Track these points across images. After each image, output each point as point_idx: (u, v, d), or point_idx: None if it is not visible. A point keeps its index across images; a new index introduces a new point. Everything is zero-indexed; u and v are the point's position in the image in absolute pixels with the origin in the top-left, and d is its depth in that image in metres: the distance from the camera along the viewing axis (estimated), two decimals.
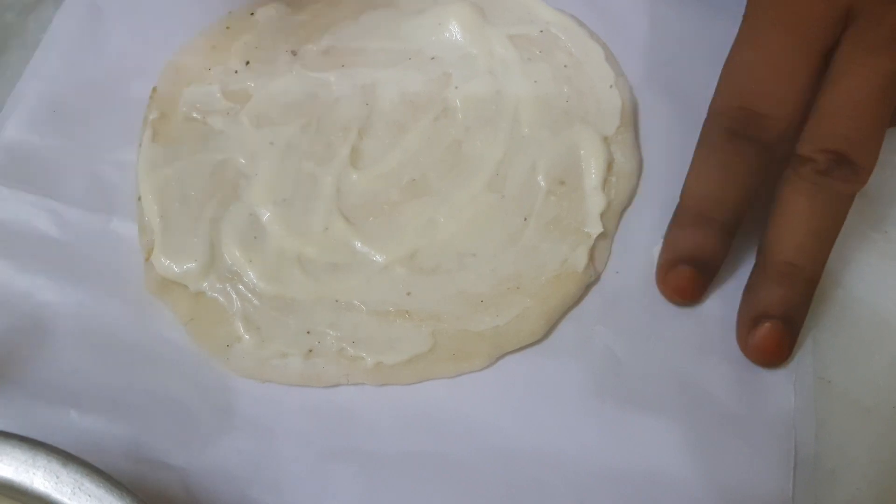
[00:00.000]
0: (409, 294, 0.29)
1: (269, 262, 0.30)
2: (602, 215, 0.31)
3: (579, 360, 0.29)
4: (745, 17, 0.30)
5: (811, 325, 0.30)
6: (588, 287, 0.30)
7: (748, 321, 0.29)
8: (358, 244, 0.30)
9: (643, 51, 0.35)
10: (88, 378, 0.28)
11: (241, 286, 0.29)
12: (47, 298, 0.29)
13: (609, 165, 0.32)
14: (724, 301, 0.30)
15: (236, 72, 0.33)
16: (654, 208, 0.31)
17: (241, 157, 0.31)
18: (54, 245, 0.30)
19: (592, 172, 0.31)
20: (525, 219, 0.31)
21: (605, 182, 0.31)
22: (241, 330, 0.29)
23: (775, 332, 0.28)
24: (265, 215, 0.30)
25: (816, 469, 0.28)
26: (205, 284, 0.29)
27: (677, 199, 0.31)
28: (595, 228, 0.30)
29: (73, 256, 0.30)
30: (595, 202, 0.31)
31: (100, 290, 0.30)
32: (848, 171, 0.28)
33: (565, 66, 0.33)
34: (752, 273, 0.30)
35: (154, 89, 0.33)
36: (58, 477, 0.20)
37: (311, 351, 0.28)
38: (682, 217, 0.30)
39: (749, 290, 0.29)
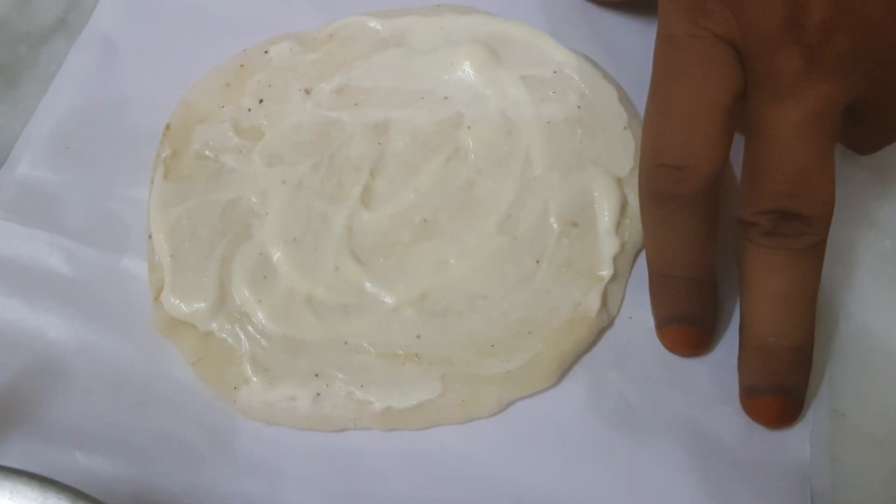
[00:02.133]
0: (418, 337, 0.29)
1: (279, 302, 0.29)
2: (615, 258, 0.30)
3: (592, 407, 0.28)
4: (652, 70, 0.29)
5: (824, 358, 0.29)
6: (601, 331, 0.30)
7: (743, 391, 0.28)
8: (368, 285, 0.30)
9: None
10: (96, 418, 0.28)
11: (249, 327, 0.29)
12: (58, 336, 0.29)
13: (623, 207, 0.31)
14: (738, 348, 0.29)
15: (249, 110, 0.33)
16: None
17: (253, 196, 0.31)
18: (66, 283, 0.30)
19: (606, 214, 0.31)
20: (537, 261, 0.30)
21: (619, 224, 0.31)
22: (249, 371, 0.28)
23: (770, 404, 0.28)
24: (275, 255, 0.30)
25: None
26: (213, 325, 0.29)
27: None
28: (608, 271, 0.30)
29: (83, 295, 0.30)
30: (608, 245, 0.31)
31: (110, 329, 0.30)
32: (797, 224, 0.27)
33: (578, 107, 0.33)
34: (739, 345, 0.29)
35: (167, 126, 0.33)
36: None
37: (319, 394, 0.28)
38: (651, 281, 0.30)
39: (739, 361, 0.29)
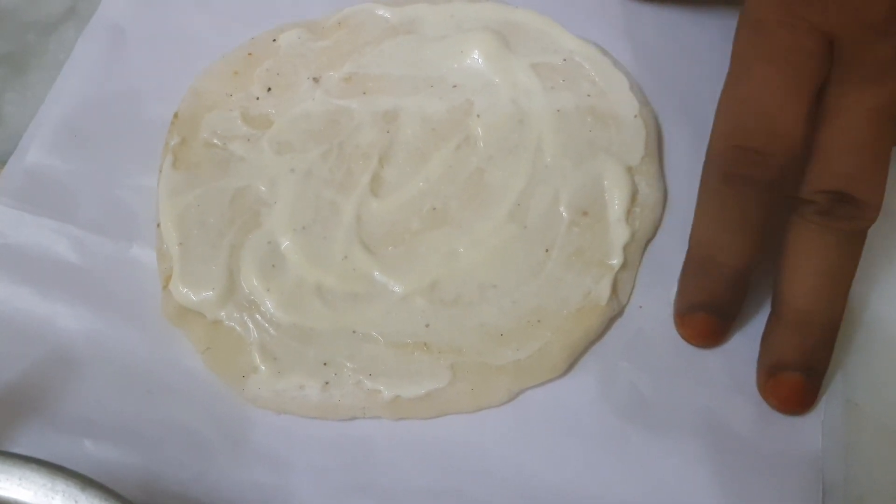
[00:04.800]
0: (427, 326, 0.29)
1: (288, 290, 0.29)
2: (626, 247, 0.30)
3: (602, 397, 0.28)
4: (733, 53, 0.29)
5: (840, 348, 0.29)
6: (611, 321, 0.30)
7: (765, 370, 0.28)
8: (377, 274, 0.30)
9: (669, 79, 0.34)
10: (104, 407, 0.28)
11: (258, 315, 0.29)
12: (67, 325, 0.29)
13: (633, 196, 0.31)
14: (752, 339, 0.29)
15: (258, 98, 0.33)
16: (678, 240, 0.31)
17: (262, 184, 0.31)
18: (74, 271, 0.30)
19: (616, 203, 0.31)
20: (547, 250, 0.30)
21: (629, 213, 0.31)
22: (258, 360, 0.28)
23: (794, 383, 0.28)
24: (284, 243, 0.30)
25: (845, 499, 0.27)
26: (222, 313, 0.29)
27: None
28: (618, 260, 0.30)
29: (92, 283, 0.30)
30: (619, 234, 0.30)
31: (118, 317, 0.29)
32: (851, 209, 0.27)
33: (589, 95, 0.33)
34: (768, 320, 0.29)
35: (175, 115, 0.33)
36: (76, 501, 0.20)
37: (327, 383, 0.28)
38: (690, 264, 0.29)
39: (765, 338, 0.29)
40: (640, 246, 0.31)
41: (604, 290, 0.29)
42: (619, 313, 0.30)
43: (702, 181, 0.29)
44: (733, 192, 0.28)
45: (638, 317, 0.30)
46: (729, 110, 0.28)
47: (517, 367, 0.28)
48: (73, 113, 0.33)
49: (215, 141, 0.32)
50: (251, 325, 0.29)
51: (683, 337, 0.29)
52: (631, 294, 0.30)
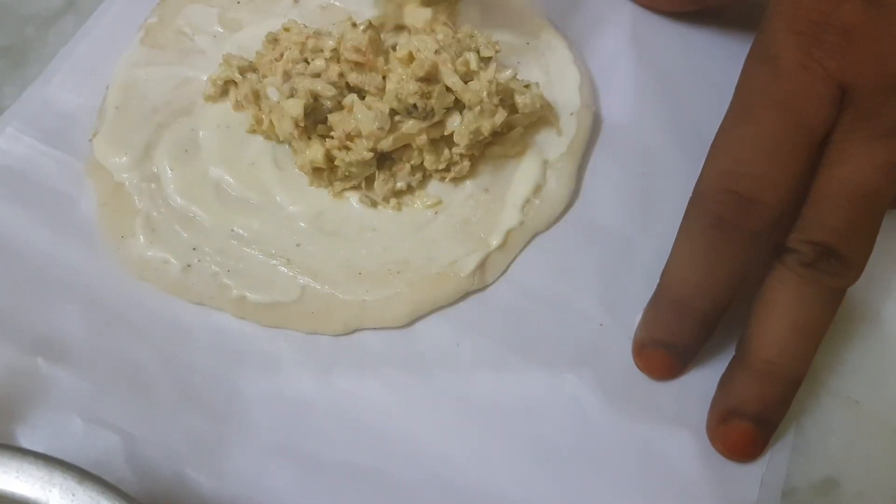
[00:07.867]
0: (298, 245, 0.30)
1: (189, 176, 0.31)
2: (509, 231, 0.31)
3: (543, 407, 0.28)
4: (736, 91, 0.28)
5: (840, 346, 0.29)
6: (468, 294, 0.30)
7: (719, 414, 0.27)
8: (275, 189, 0.31)
9: (666, 92, 0.34)
10: (64, 330, 0.29)
11: (155, 187, 0.31)
12: (47, 250, 0.30)
13: (537, 188, 0.31)
14: (709, 376, 0.28)
15: (238, 2, 0.35)
16: (574, 237, 0.31)
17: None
18: (66, 201, 0.31)
19: (518, 189, 0.31)
20: (436, 213, 0.31)
21: (527, 202, 0.31)
22: (138, 227, 0.30)
23: (745, 432, 0.27)
24: (202, 134, 0.32)
25: (843, 491, 0.27)
26: (125, 176, 0.31)
27: (601, 238, 0.31)
28: (497, 241, 0.30)
29: (81, 217, 0.31)
30: (508, 217, 0.31)
31: (99, 254, 0.30)
32: (836, 264, 0.26)
33: (537, 83, 0.33)
34: (731, 363, 0.28)
35: None
36: (73, 495, 0.20)
37: (189, 266, 0.30)
38: (660, 300, 0.28)
39: (725, 381, 0.28)
40: (526, 236, 0.31)
41: (470, 263, 0.30)
42: (482, 289, 0.30)
43: (686, 217, 0.28)
44: (718, 237, 0.27)
45: (597, 335, 0.29)
46: (727, 149, 0.27)
47: (361, 306, 0.29)
48: (96, 52, 0.34)
49: (186, 30, 0.35)
50: (146, 196, 0.31)
51: (639, 367, 0.29)
52: (501, 276, 0.30)
